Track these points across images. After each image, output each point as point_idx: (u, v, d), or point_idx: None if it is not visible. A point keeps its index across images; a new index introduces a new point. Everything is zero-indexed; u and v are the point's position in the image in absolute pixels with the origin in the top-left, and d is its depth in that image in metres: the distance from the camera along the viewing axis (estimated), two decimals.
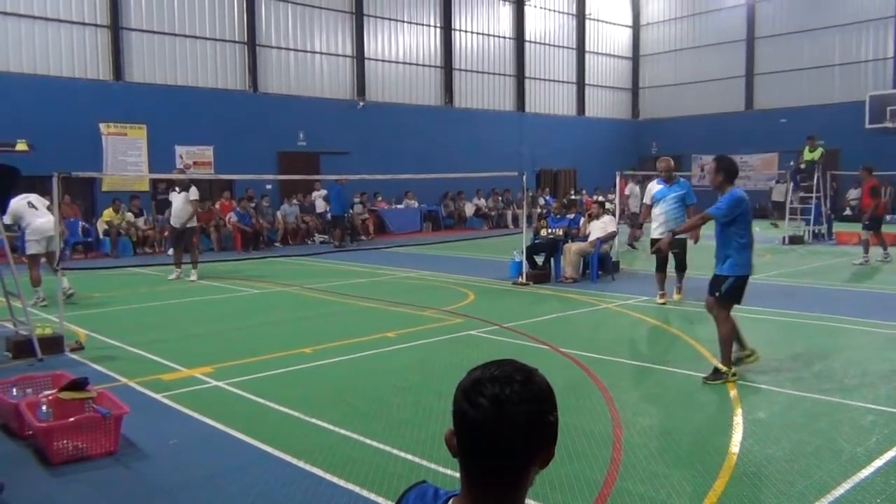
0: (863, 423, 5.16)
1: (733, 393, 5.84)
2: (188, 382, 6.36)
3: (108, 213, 17.59)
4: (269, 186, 21.06)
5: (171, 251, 13.99)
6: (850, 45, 27.58)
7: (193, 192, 12.92)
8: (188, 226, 12.98)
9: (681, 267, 10.11)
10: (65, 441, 4.62)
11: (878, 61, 27.02)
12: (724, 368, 6.13)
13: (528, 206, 17.94)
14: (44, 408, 4.88)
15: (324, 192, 20.72)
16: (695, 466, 4.43)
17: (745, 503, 3.91)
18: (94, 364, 6.99)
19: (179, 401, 5.78)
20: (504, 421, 1.39)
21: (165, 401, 5.81)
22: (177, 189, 13.06)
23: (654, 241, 9.27)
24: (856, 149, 25.33)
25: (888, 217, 21.88)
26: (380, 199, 23.67)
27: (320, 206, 20.95)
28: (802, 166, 18.65)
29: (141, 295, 11.59)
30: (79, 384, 5.14)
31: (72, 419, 4.68)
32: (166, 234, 13.39)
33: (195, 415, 5.44)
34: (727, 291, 6.12)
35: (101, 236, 17.53)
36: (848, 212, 24.85)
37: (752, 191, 27.20)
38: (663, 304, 9.75)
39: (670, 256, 9.81)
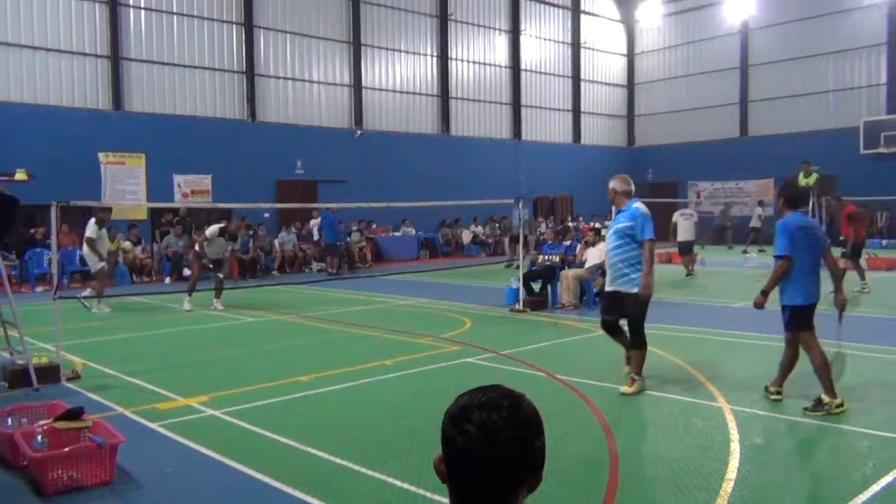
0: (859, 448, 5.16)
1: (729, 418, 5.83)
2: (184, 411, 6.34)
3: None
4: (266, 214, 21.14)
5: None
6: (843, 71, 27.88)
7: (237, 244, 13.78)
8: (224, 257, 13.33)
9: (635, 340, 6.74)
10: (59, 471, 4.60)
11: (872, 87, 27.30)
12: (826, 399, 5.87)
13: (526, 233, 17.97)
14: (39, 437, 4.87)
15: (318, 220, 20.79)
16: (691, 493, 4.41)
17: None
18: (90, 393, 6.97)
19: (175, 430, 5.76)
20: (492, 447, 1.41)
21: (161, 430, 5.79)
22: (226, 236, 13.13)
23: (604, 296, 7.15)
24: (851, 174, 25.53)
25: (884, 242, 21.98)
26: (374, 226, 23.72)
27: (317, 233, 21.01)
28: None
29: (138, 324, 11.58)
30: (74, 414, 5.13)
31: (67, 449, 4.66)
32: (194, 266, 13.59)
33: (191, 444, 5.42)
34: (787, 323, 6.09)
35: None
36: (843, 237, 24.92)
37: (749, 216, 27.47)
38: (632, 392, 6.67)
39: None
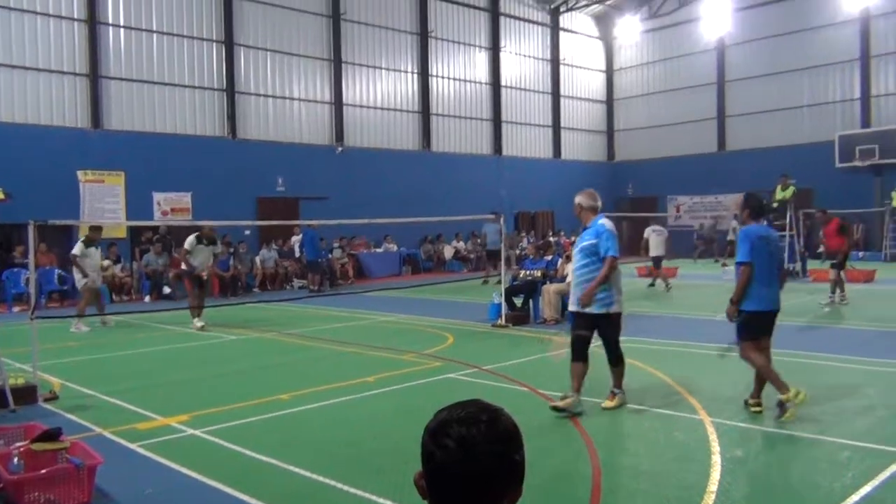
0: (839, 458, 5.20)
1: (710, 431, 5.86)
2: (164, 431, 6.28)
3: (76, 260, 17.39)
4: (247, 232, 21.04)
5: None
6: (817, 86, 28.32)
7: (219, 246, 13.56)
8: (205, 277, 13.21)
9: (614, 357, 6.59)
10: (36, 493, 4.53)
11: (846, 102, 27.74)
12: (784, 397, 6.05)
13: (507, 248, 18.01)
14: (15, 459, 4.79)
15: (298, 237, 20.73)
16: None
17: None
18: (67, 414, 6.88)
19: (155, 450, 5.70)
20: (471, 461, 1.41)
21: (140, 450, 5.72)
22: (204, 242, 12.95)
23: (571, 315, 6.78)
24: (827, 188, 25.88)
25: (861, 254, 22.27)
26: (357, 241, 23.67)
27: (298, 250, 20.93)
28: (775, 205, 18.95)
29: (117, 343, 11.45)
30: (52, 435, 5.06)
31: (44, 471, 4.60)
32: (186, 284, 13.38)
33: (171, 464, 5.36)
34: (738, 327, 6.26)
35: (76, 284, 17.34)
36: (821, 249, 25.23)
37: (726, 230, 27.77)
38: (563, 409, 6.31)
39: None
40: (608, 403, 6.53)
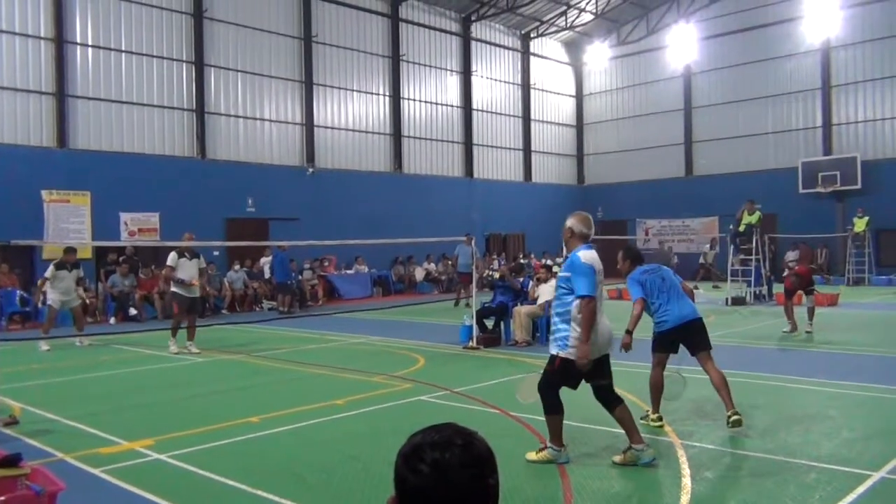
0: (806, 480, 5.25)
1: (681, 453, 5.89)
2: (128, 456, 6.14)
3: (41, 282, 17.06)
4: (216, 252, 20.82)
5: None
6: (781, 114, 28.96)
7: (203, 260, 12.99)
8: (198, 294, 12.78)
9: (610, 399, 5.71)
10: None
11: (808, 130, 28.38)
12: (651, 414, 6.82)
13: (479, 271, 18.04)
14: None
15: (268, 259, 20.56)
16: None
17: None
18: (28, 439, 6.70)
19: (119, 475, 5.57)
20: (445, 486, 1.40)
21: (104, 476, 5.59)
22: (187, 255, 12.40)
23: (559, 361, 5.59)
24: (791, 213, 26.43)
25: (827, 278, 22.61)
26: (326, 263, 23.54)
27: (268, 272, 20.77)
28: (741, 229, 19.25)
29: (80, 366, 11.22)
30: (11, 460, 4.92)
31: (3, 498, 4.46)
32: (175, 308, 12.74)
33: (135, 490, 5.24)
34: (652, 344, 6.93)
35: (39, 306, 17.00)
36: (786, 273, 25.65)
37: (697, 253, 28.13)
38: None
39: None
40: (619, 458, 5.64)
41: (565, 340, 5.48)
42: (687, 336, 6.68)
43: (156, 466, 5.87)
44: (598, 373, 5.60)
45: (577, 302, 5.44)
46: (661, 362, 6.83)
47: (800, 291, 13.46)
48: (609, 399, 5.66)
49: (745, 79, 29.52)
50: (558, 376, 5.55)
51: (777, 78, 28.82)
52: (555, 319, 5.66)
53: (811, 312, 13.17)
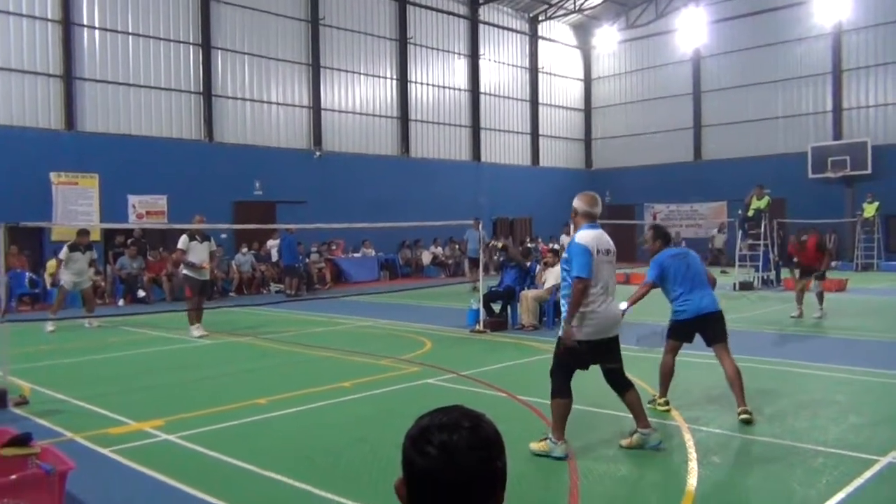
0: (814, 465, 5.25)
1: (688, 437, 5.90)
2: (137, 436, 6.19)
3: (52, 265, 17.18)
4: (223, 236, 20.84)
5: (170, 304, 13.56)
6: (791, 99, 28.74)
7: (213, 243, 12.82)
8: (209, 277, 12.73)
9: (620, 383, 5.68)
10: (6, 500, 4.44)
11: (818, 114, 28.16)
12: (658, 398, 6.85)
13: (486, 255, 18.01)
14: None
15: (276, 242, 20.58)
16: None
17: None
18: (38, 419, 6.76)
19: (128, 455, 5.61)
20: (453, 468, 1.40)
21: (113, 456, 5.64)
22: (198, 238, 12.32)
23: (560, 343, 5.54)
24: (800, 198, 26.28)
25: (834, 264, 22.49)
26: (334, 247, 23.58)
27: (276, 255, 20.81)
28: (750, 214, 19.16)
29: (89, 347, 11.29)
30: (22, 440, 4.96)
31: (13, 476, 4.50)
32: (187, 291, 12.58)
33: (144, 470, 5.28)
34: (667, 330, 6.90)
35: (48, 287, 17.11)
36: (795, 259, 25.55)
37: (705, 238, 28.05)
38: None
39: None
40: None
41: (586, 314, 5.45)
42: (704, 327, 6.58)
43: (164, 447, 5.91)
44: (607, 356, 5.55)
45: (574, 282, 5.39)
46: (674, 349, 6.79)
47: (809, 277, 13.30)
48: (619, 383, 5.64)
49: (754, 63, 29.27)
50: (566, 358, 5.48)
51: (787, 62, 28.57)
52: (563, 302, 5.61)
53: (820, 298, 13.10)
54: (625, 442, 5.64)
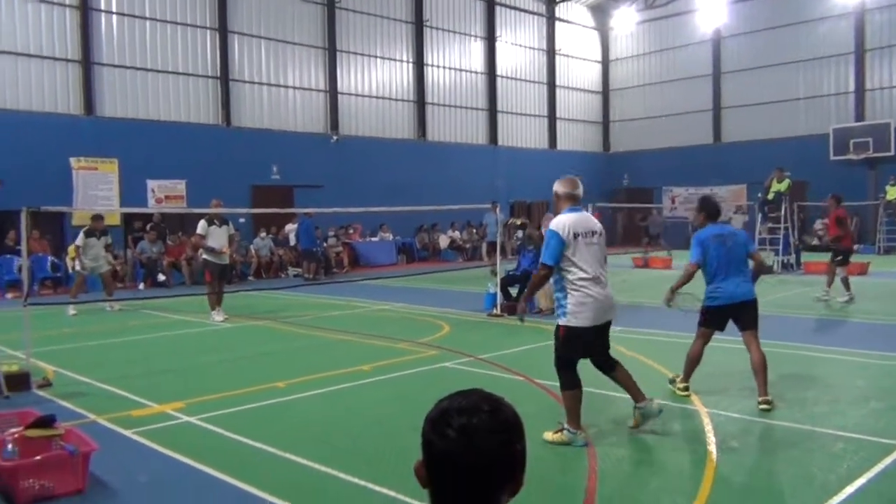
0: (834, 450, 5.22)
1: (707, 421, 5.88)
2: (159, 418, 6.27)
3: (73, 249, 17.33)
4: (241, 220, 20.96)
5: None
6: (812, 79, 28.33)
7: (232, 227, 12.82)
8: (228, 261, 12.77)
9: (606, 364, 5.65)
10: (31, 480, 4.52)
11: (840, 95, 27.75)
12: (678, 379, 6.81)
13: (504, 235, 17.97)
14: (9, 446, 4.77)
15: (294, 226, 20.65)
16: (670, 496, 4.44)
17: None
18: (61, 401, 6.86)
19: (150, 437, 5.69)
20: (472, 451, 1.40)
21: (135, 437, 5.71)
22: (216, 223, 12.31)
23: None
24: (822, 180, 25.90)
25: (855, 247, 22.26)
26: (351, 231, 23.64)
27: (293, 239, 20.90)
28: (770, 197, 18.97)
29: (111, 330, 11.42)
30: (46, 421, 5.04)
31: (38, 457, 4.58)
32: (206, 275, 12.67)
33: (166, 451, 5.35)
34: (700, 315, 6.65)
35: (70, 271, 17.29)
36: (815, 242, 25.29)
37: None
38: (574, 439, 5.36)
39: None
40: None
41: (563, 309, 5.37)
42: (737, 314, 6.42)
43: (186, 429, 5.98)
44: (600, 342, 5.49)
45: (564, 269, 5.29)
46: (705, 336, 6.61)
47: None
48: (605, 364, 5.59)
49: (775, 43, 28.85)
50: (565, 347, 5.41)
51: (809, 42, 28.14)
52: (554, 290, 5.54)
53: (845, 283, 12.96)
54: (632, 423, 5.63)
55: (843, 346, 9.00)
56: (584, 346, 5.38)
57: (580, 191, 5.57)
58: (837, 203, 13.72)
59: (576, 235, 5.24)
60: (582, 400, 5.41)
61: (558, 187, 5.57)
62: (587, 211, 5.98)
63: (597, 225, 5.48)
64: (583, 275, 5.24)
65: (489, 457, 1.42)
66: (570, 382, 5.39)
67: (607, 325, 5.51)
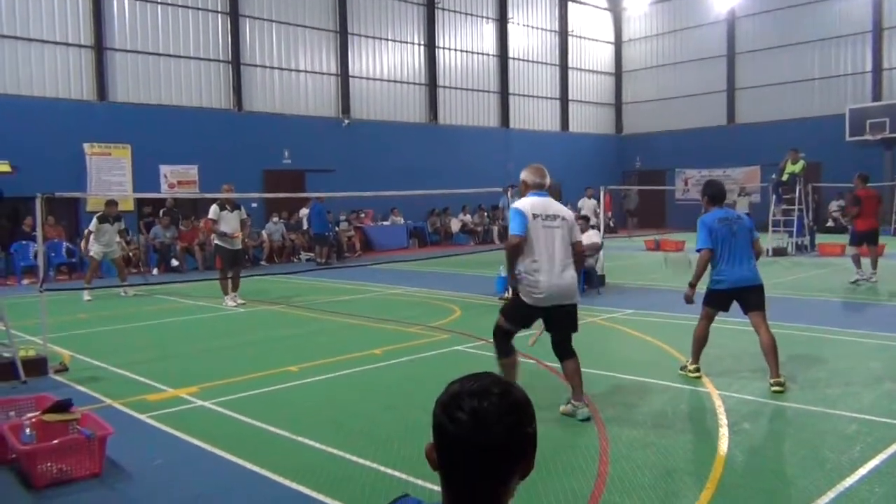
0: (847, 432, 5.21)
1: (718, 403, 5.88)
2: (173, 403, 6.33)
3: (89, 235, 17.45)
4: (254, 205, 21.02)
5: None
6: (828, 59, 27.99)
7: (244, 211, 12.76)
8: (241, 247, 12.73)
9: (562, 353, 5.71)
10: (49, 464, 4.58)
11: (857, 75, 27.42)
12: (689, 363, 6.81)
13: None
14: (27, 430, 4.84)
15: (307, 210, 20.70)
16: (681, 478, 4.45)
17: None
18: (78, 385, 6.93)
19: (164, 421, 5.75)
20: (483, 434, 1.41)
21: (150, 421, 5.78)
22: (228, 208, 12.29)
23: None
24: (837, 161, 25.66)
25: (887, 229, 22.01)
26: (363, 215, 23.67)
27: (305, 223, 20.95)
28: (784, 179, 18.82)
29: (125, 315, 11.52)
30: (63, 406, 5.10)
31: (55, 441, 4.64)
32: (217, 261, 12.74)
33: (180, 435, 5.41)
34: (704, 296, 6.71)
35: (84, 257, 17.41)
36: (830, 223, 25.11)
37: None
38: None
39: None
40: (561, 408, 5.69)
41: (521, 282, 5.52)
42: (742, 297, 6.41)
43: (200, 413, 6.04)
44: (557, 324, 5.61)
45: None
46: (709, 317, 6.68)
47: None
48: (561, 353, 5.66)
49: (791, 22, 28.50)
50: (511, 308, 5.67)
51: (825, 21, 27.77)
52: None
53: (856, 261, 12.86)
54: (561, 409, 5.71)
55: (856, 328, 8.95)
56: (524, 318, 5.67)
57: (547, 180, 5.74)
58: (862, 182, 13.50)
59: (535, 216, 5.41)
60: (517, 369, 5.69)
61: (525, 175, 5.75)
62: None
63: (561, 210, 5.61)
64: (531, 260, 5.41)
65: (500, 439, 1.42)
66: (503, 350, 5.70)
67: (566, 309, 5.56)
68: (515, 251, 5.47)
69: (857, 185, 13.54)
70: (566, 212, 5.65)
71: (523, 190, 5.74)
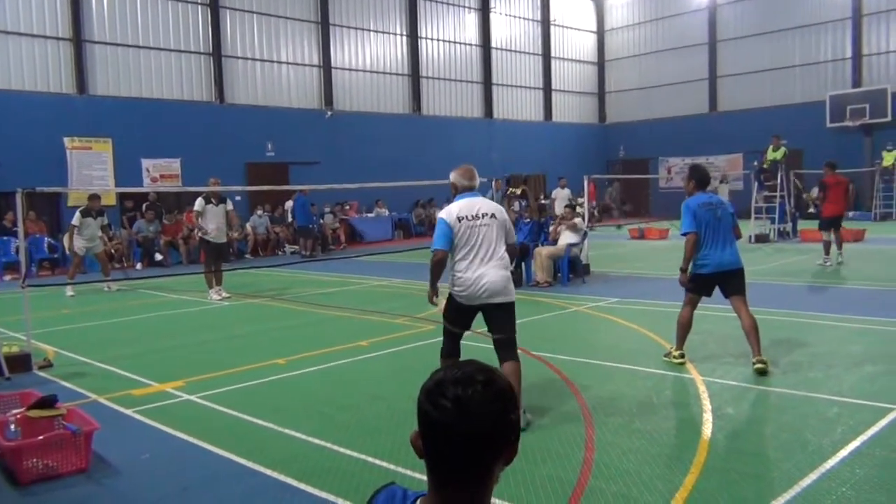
0: (828, 415, 5.28)
1: (702, 389, 5.94)
2: (159, 397, 6.31)
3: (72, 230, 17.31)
4: (238, 198, 20.90)
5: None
6: (809, 46, 28.15)
7: (229, 204, 12.69)
8: (225, 240, 12.75)
9: (503, 355, 5.43)
10: (34, 460, 4.57)
11: (837, 62, 27.60)
12: (673, 350, 6.88)
13: (506, 205, 17.93)
14: (12, 427, 4.82)
15: (290, 203, 20.62)
16: (666, 463, 4.50)
17: (716, 497, 3.98)
18: (63, 381, 6.90)
19: (150, 416, 5.74)
20: (467, 421, 1.42)
21: (136, 416, 5.76)
22: (213, 201, 12.19)
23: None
24: (818, 148, 25.84)
25: (851, 213, 22.29)
26: (347, 207, 23.60)
27: (290, 216, 20.88)
28: (766, 166, 18.96)
29: (109, 310, 11.45)
30: (47, 402, 5.08)
31: (41, 437, 4.62)
32: (201, 255, 12.74)
33: (167, 429, 5.40)
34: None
35: (67, 252, 17.27)
36: (812, 210, 25.30)
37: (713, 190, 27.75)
38: None
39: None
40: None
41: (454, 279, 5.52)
42: (723, 281, 6.56)
43: (186, 407, 6.03)
44: (492, 321, 5.53)
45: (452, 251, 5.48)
46: (693, 302, 6.76)
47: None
48: (501, 355, 5.41)
49: (772, 9, 28.64)
50: (448, 310, 5.66)
51: (805, 7, 27.93)
52: None
53: (826, 247, 13.51)
54: None
55: (838, 312, 9.05)
56: (459, 317, 5.61)
57: (476, 181, 5.60)
58: (830, 169, 14.06)
59: (459, 219, 5.31)
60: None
61: (455, 178, 5.61)
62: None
63: (489, 207, 5.44)
64: (459, 258, 5.39)
65: (484, 427, 1.43)
66: (446, 350, 5.68)
67: (498, 308, 5.43)
68: (438, 266, 5.50)
69: (826, 173, 13.97)
70: (498, 209, 5.49)
71: (453, 192, 5.61)
